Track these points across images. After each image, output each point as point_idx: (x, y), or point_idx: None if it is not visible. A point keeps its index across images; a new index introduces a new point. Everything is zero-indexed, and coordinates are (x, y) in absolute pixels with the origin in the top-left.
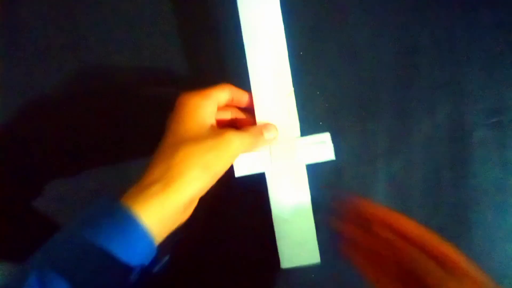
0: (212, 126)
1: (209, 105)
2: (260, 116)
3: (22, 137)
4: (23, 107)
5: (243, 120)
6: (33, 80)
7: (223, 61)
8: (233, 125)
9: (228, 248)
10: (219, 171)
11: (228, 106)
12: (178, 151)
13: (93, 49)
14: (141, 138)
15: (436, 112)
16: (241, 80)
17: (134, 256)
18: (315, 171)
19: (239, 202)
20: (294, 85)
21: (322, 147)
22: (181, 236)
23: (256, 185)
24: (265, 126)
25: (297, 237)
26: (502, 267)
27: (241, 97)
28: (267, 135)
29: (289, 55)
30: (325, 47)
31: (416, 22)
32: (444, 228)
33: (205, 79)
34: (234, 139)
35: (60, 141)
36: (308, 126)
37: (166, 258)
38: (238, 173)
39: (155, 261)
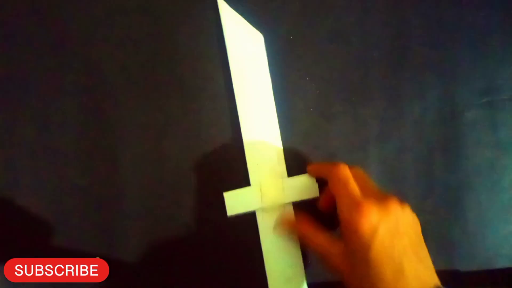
0: None
1: None
2: (251, 161)
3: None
4: (4, 104)
5: None
6: (15, 77)
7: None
8: None
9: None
10: None
11: None
12: None
13: (77, 45)
14: (130, 134)
15: (427, 94)
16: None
17: None
18: (308, 159)
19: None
20: (283, 70)
21: (307, 187)
22: None
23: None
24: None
25: (286, 272)
26: (495, 247)
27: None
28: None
29: (278, 40)
30: (314, 31)
31: (405, 3)
32: (438, 210)
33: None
34: None
35: (43, 137)
36: (298, 113)
37: None
38: (230, 212)
39: None
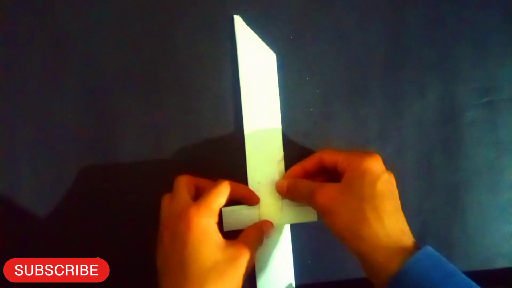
0: (222, 247)
1: (214, 220)
2: (252, 179)
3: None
4: (4, 104)
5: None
6: (15, 77)
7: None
8: None
9: None
10: None
11: None
12: None
13: (76, 44)
14: (130, 134)
15: (427, 93)
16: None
17: None
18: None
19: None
20: (283, 71)
21: (306, 210)
22: None
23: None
24: (265, 225)
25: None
26: (496, 246)
27: (240, 193)
28: (267, 234)
29: (278, 40)
30: (314, 32)
31: (405, 3)
32: (438, 210)
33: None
34: (247, 259)
35: (43, 137)
36: (298, 113)
37: None
38: (226, 228)
39: None
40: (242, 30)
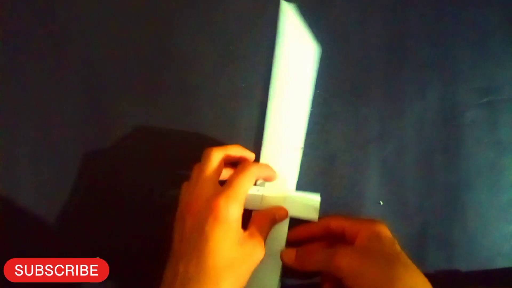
0: (242, 242)
1: (241, 210)
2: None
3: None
4: (4, 104)
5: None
6: (15, 77)
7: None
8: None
9: None
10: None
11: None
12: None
13: (76, 44)
14: (130, 134)
15: (427, 93)
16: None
17: None
18: (307, 159)
19: None
20: None
21: (309, 209)
22: None
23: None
24: (279, 213)
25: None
26: (496, 246)
27: (264, 175)
28: (279, 218)
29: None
30: (314, 31)
31: (405, 3)
32: (438, 210)
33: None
34: (261, 255)
35: (43, 137)
36: None
37: None
38: None
39: None
40: (289, 16)
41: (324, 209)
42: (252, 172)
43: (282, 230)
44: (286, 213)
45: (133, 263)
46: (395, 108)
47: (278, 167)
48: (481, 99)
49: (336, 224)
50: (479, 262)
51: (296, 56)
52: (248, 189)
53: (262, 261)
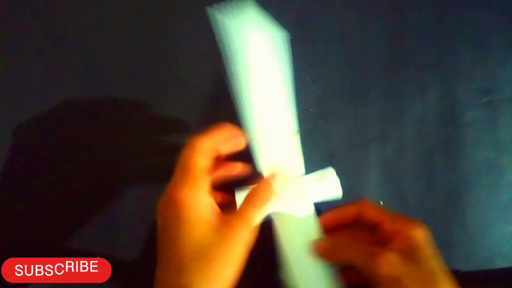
0: (215, 225)
1: (202, 191)
2: (263, 155)
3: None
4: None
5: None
6: (15, 77)
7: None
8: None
9: None
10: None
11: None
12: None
13: (76, 44)
14: (130, 134)
15: (427, 93)
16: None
17: None
18: (308, 159)
19: None
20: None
21: (327, 184)
22: None
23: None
24: (272, 177)
25: (312, 275)
26: (495, 246)
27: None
28: (277, 187)
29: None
30: (313, 31)
31: (405, 3)
32: (438, 210)
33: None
34: (246, 237)
35: (43, 137)
36: (298, 113)
37: None
38: None
39: None
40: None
41: (324, 209)
42: (204, 143)
43: (309, 221)
44: (269, 182)
45: (133, 263)
46: (395, 108)
47: (280, 156)
48: (481, 99)
49: (372, 215)
50: (479, 262)
51: (263, 46)
52: (204, 167)
53: (300, 259)
